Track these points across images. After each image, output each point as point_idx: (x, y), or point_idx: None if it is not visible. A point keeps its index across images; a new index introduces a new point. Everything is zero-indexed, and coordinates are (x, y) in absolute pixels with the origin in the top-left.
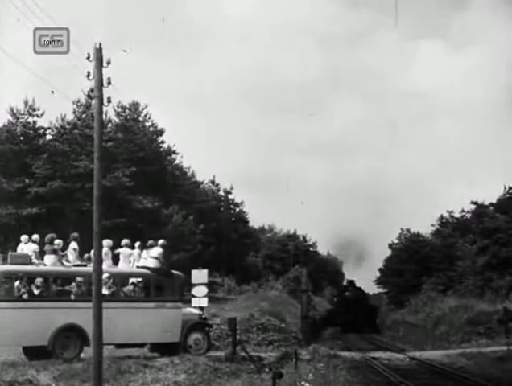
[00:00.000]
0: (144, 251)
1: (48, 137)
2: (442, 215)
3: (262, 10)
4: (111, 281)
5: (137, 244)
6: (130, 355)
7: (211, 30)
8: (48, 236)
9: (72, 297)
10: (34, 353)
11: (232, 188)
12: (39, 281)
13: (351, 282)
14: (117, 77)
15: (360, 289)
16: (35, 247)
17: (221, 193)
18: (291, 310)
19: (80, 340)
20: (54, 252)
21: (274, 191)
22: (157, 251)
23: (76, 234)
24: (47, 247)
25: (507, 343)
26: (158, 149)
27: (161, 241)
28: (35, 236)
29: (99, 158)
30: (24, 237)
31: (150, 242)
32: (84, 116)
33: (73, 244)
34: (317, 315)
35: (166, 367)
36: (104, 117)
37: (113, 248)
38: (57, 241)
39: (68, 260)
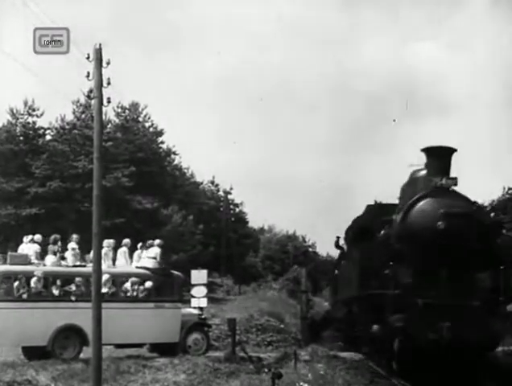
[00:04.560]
0: (143, 251)
1: (48, 137)
2: None
3: (263, 9)
4: (110, 281)
5: (139, 245)
6: (129, 355)
7: (212, 30)
8: (52, 237)
9: (72, 297)
10: (33, 353)
11: (231, 188)
12: (38, 281)
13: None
14: (116, 77)
15: None
16: (36, 247)
17: (221, 193)
18: (290, 310)
19: (79, 340)
20: (54, 253)
21: (275, 191)
22: (154, 251)
23: (76, 235)
24: (50, 247)
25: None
26: (157, 149)
27: (157, 241)
28: (38, 237)
29: (98, 158)
30: (26, 237)
31: (150, 242)
32: (83, 116)
33: (72, 245)
34: (316, 316)
35: (165, 367)
36: (103, 117)
37: (115, 249)
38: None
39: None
